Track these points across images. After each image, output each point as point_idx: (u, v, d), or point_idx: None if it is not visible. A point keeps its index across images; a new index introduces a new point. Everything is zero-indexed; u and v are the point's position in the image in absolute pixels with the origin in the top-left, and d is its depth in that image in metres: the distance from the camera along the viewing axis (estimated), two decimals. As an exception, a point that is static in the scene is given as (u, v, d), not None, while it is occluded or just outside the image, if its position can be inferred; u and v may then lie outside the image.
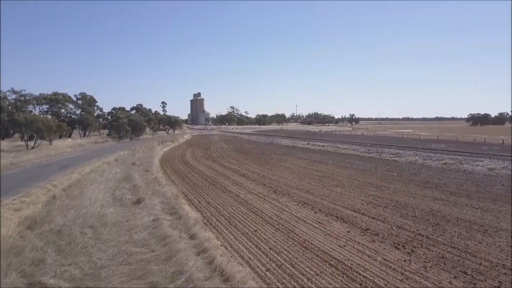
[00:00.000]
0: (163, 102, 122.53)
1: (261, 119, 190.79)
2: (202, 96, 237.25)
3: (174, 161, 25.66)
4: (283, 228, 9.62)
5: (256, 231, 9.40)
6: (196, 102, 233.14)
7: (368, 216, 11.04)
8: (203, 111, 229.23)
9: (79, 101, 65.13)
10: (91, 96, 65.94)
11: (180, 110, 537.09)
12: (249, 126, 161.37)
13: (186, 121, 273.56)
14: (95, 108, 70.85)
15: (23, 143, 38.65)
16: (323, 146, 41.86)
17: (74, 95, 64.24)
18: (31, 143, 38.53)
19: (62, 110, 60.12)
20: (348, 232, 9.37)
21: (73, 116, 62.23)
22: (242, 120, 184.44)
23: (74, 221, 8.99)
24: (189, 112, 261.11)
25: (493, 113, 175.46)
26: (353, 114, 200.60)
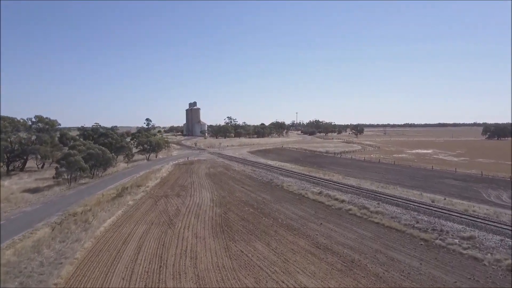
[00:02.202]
0: (147, 119, 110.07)
1: (260, 131, 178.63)
2: (198, 106, 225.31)
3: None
4: None
5: None
6: (192, 112, 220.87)
7: None
8: (199, 121, 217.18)
9: (35, 126, 53.20)
10: (49, 119, 53.96)
11: (178, 118, 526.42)
12: (247, 139, 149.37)
13: (181, 131, 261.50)
14: (57, 132, 59.01)
15: None
16: (343, 201, 29.69)
17: (27, 119, 52.38)
18: None
19: (9, 139, 48.01)
20: None
21: (25, 145, 50.07)
22: (239, 132, 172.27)
23: None
24: (185, 122, 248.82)
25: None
26: (357, 125, 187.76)
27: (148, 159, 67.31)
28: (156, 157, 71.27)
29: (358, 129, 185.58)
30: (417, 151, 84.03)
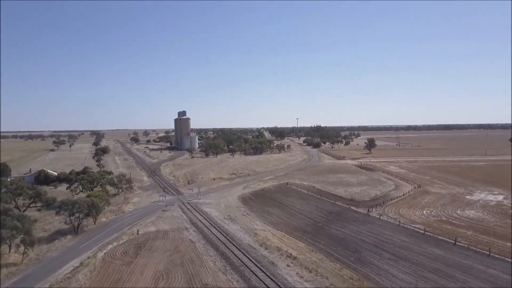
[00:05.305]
0: (96, 151, 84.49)
1: (258, 146, 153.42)
2: (188, 115, 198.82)
3: None
4: None
5: None
6: (181, 122, 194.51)
7: None
8: (188, 133, 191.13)
9: None
10: None
11: (171, 124, 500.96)
12: (242, 161, 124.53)
13: (170, 143, 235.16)
14: None
15: None
16: None
17: None
18: None
19: None
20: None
21: None
22: (233, 149, 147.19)
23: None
24: (174, 132, 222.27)
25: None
26: (372, 139, 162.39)
27: (77, 231, 41.98)
28: (95, 222, 45.96)
29: (370, 142, 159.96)
30: (483, 197, 58.82)
